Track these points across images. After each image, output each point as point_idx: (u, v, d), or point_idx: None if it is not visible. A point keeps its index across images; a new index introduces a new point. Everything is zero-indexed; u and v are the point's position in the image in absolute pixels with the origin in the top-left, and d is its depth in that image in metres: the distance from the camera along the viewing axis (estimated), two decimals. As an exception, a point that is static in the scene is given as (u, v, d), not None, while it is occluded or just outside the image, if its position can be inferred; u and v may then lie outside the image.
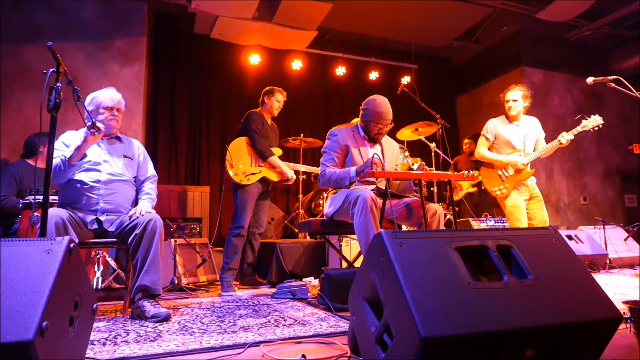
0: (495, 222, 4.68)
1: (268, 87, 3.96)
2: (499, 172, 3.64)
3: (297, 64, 6.17)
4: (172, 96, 5.78)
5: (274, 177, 3.76)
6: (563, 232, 4.69)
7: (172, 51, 5.81)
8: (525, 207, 3.59)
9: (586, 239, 4.70)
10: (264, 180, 3.73)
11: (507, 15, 6.10)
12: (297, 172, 4.26)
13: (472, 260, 1.28)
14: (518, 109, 3.65)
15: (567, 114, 6.60)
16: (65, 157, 2.41)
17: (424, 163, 2.80)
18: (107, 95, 2.67)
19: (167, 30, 5.83)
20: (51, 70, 1.77)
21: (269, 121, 3.92)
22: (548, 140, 3.68)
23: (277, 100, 3.91)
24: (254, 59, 5.85)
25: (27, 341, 1.09)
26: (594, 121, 3.51)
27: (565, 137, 3.49)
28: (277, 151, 3.84)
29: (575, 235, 4.70)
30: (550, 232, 1.41)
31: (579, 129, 3.53)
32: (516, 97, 3.64)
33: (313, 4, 5.02)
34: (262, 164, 3.70)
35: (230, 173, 3.59)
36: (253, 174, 3.64)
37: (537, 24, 6.09)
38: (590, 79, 2.91)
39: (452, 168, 4.75)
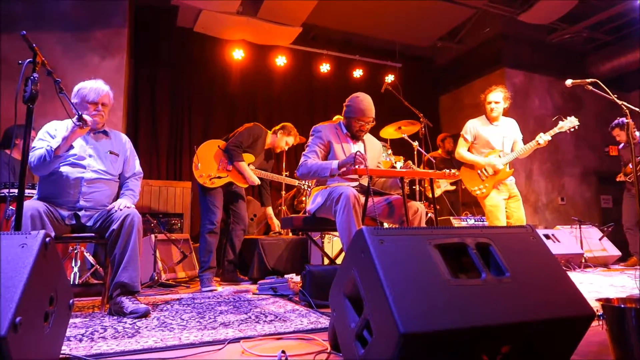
0: (475, 221, 4.75)
1: (287, 124, 3.95)
2: (479, 172, 3.70)
3: (281, 60, 6.15)
4: (154, 90, 5.70)
5: (241, 183, 3.70)
6: (541, 231, 4.79)
7: (154, 44, 5.72)
8: (504, 206, 3.65)
9: (563, 238, 4.81)
10: (229, 184, 3.66)
11: (489, 17, 6.19)
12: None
13: (451, 257, 1.29)
14: (499, 110, 3.71)
15: (546, 115, 6.73)
16: (51, 147, 2.33)
17: (410, 162, 2.82)
18: (92, 88, 2.56)
19: (149, 23, 5.73)
20: (27, 60, 1.72)
21: (267, 145, 3.91)
22: (527, 141, 3.75)
23: (287, 143, 3.94)
24: (238, 54, 5.81)
25: (-1, 337, 1.07)
26: (570, 122, 3.59)
27: (543, 138, 3.56)
28: (249, 158, 3.76)
29: (553, 235, 4.81)
30: (528, 230, 1.43)
31: (555, 130, 3.61)
32: (498, 98, 3.70)
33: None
34: (229, 169, 3.63)
35: (195, 174, 3.55)
36: (218, 177, 3.58)
37: (519, 26, 6.19)
38: (569, 82, 2.97)
39: (427, 164, 4.78)
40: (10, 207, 3.01)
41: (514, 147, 3.77)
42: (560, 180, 6.89)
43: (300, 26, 5.57)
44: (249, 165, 3.71)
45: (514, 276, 1.25)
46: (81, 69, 4.50)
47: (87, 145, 2.59)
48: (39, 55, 1.73)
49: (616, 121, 5.19)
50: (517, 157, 3.69)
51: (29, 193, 2.81)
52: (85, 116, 2.31)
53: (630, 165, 5.04)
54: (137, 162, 2.89)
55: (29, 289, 1.21)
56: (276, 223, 4.07)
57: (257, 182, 3.70)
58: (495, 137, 3.72)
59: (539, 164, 6.69)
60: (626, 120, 4.56)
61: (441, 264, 1.24)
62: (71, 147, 2.44)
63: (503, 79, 6.53)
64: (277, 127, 3.92)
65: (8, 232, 1.38)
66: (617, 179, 5.20)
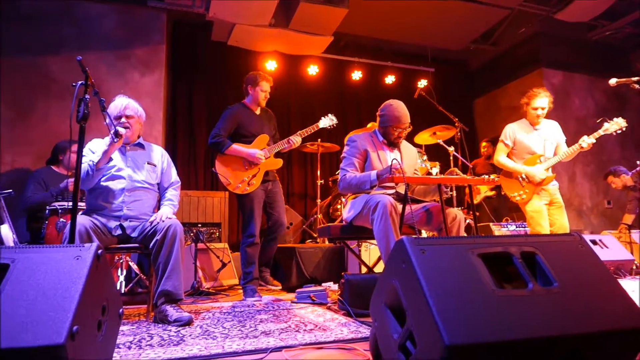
0: (516, 227, 4.61)
1: (250, 74, 3.67)
2: (519, 178, 3.59)
3: (313, 69, 6.21)
4: (191, 103, 5.86)
5: (275, 165, 3.54)
6: (587, 237, 4.60)
7: (190, 59, 5.90)
8: (546, 212, 3.53)
9: (611, 244, 4.59)
10: (265, 180, 3.54)
11: (524, 17, 6.04)
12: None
13: (495, 267, 1.27)
14: (544, 115, 3.61)
15: (588, 115, 6.48)
16: (93, 162, 2.50)
17: (455, 169, 2.78)
18: (114, 105, 2.73)
19: (185, 38, 5.92)
20: (80, 82, 1.83)
21: (258, 111, 3.67)
22: (569, 143, 3.62)
23: (262, 90, 3.62)
24: (271, 65, 5.90)
25: (59, 345, 1.12)
26: (617, 124, 3.43)
27: (587, 141, 3.42)
28: (263, 139, 3.57)
29: (600, 240, 4.59)
30: (576, 238, 1.39)
31: (600, 132, 3.46)
32: (544, 104, 3.57)
33: (329, 9, 5.04)
34: (256, 162, 3.47)
35: (231, 189, 3.43)
36: (253, 176, 3.45)
37: (556, 25, 6.01)
38: (613, 81, 2.87)
39: (470, 172, 4.71)
40: (61, 219, 3.17)
41: (556, 150, 3.64)
42: (605, 182, 6.59)
43: (332, 35, 5.61)
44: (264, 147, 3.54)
45: (562, 286, 1.22)
46: (123, 86, 4.69)
47: (125, 158, 2.74)
48: (90, 77, 1.83)
49: (610, 169, 5.20)
50: (560, 160, 3.56)
51: (80, 206, 2.94)
52: (119, 129, 2.47)
53: None
54: (174, 171, 3.00)
55: (84, 299, 1.27)
56: (250, 153, 3.45)
57: (259, 154, 3.44)
58: (536, 141, 3.61)
59: (582, 166, 6.44)
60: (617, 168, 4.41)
61: (485, 274, 1.21)
62: (110, 159, 2.59)
63: (541, 79, 6.34)
64: (244, 87, 3.70)
65: (63, 245, 1.46)
66: None
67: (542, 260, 1.27)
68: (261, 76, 3.65)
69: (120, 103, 2.75)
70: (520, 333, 1.09)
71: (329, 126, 3.78)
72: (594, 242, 4.52)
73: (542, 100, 3.57)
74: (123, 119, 2.71)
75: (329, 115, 3.83)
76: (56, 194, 3.48)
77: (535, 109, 3.59)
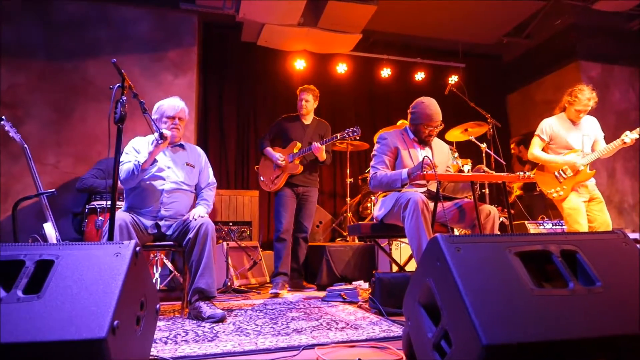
0: (552, 225, 4.47)
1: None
2: (556, 174, 3.48)
3: (342, 68, 6.19)
4: (221, 103, 5.96)
5: (293, 170, 3.77)
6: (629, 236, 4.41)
7: (221, 59, 5.99)
8: (584, 209, 3.41)
9: (655, 243, 4.38)
10: (293, 184, 3.76)
11: (560, 8, 5.83)
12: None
13: (533, 266, 1.23)
14: (587, 112, 3.49)
15: (629, 109, 6.20)
16: (139, 162, 2.55)
17: (482, 166, 2.72)
18: (170, 105, 2.78)
19: (216, 39, 6.01)
20: (117, 85, 1.89)
21: (308, 120, 3.97)
22: (609, 138, 3.48)
23: (299, 100, 3.98)
24: (300, 64, 5.92)
25: (100, 339, 1.16)
26: (662, 117, 3.27)
27: (630, 137, 3.27)
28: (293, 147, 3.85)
29: (643, 239, 4.40)
30: (620, 236, 1.33)
31: None
32: (591, 103, 3.44)
33: (357, 7, 5.02)
34: (281, 165, 3.78)
35: (262, 187, 3.92)
36: (277, 177, 3.79)
37: (594, 15, 5.77)
38: (657, 72, 2.73)
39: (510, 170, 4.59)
40: (100, 217, 3.29)
41: (594, 146, 3.51)
42: (649, 179, 6.30)
43: (360, 32, 5.58)
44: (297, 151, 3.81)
45: (606, 286, 1.17)
46: (157, 87, 4.81)
47: (166, 158, 2.78)
48: (127, 79, 1.89)
49: None
50: (600, 157, 3.43)
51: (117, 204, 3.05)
52: (164, 131, 2.51)
53: None
54: (211, 172, 3.04)
55: (123, 295, 1.31)
56: (274, 157, 3.87)
57: (280, 159, 3.78)
58: (574, 136, 3.49)
59: (623, 161, 6.17)
60: None
61: (523, 273, 1.18)
62: (155, 161, 2.63)
63: (578, 72, 6.11)
64: None
65: (103, 242, 1.51)
66: None
67: (583, 259, 1.23)
68: (301, 88, 4.03)
69: (176, 104, 2.81)
70: (561, 334, 1.06)
71: (350, 138, 3.76)
72: (636, 241, 4.33)
73: (593, 95, 3.44)
74: (176, 121, 2.78)
75: (354, 127, 3.79)
76: (108, 186, 3.65)
77: (587, 105, 3.45)
